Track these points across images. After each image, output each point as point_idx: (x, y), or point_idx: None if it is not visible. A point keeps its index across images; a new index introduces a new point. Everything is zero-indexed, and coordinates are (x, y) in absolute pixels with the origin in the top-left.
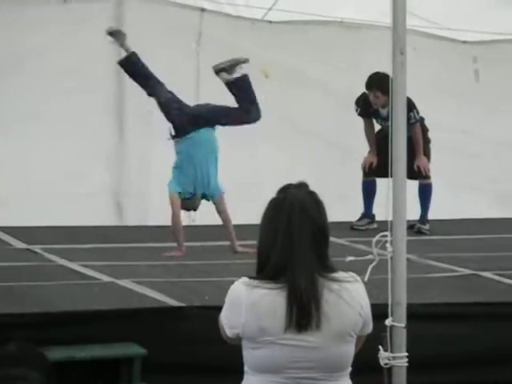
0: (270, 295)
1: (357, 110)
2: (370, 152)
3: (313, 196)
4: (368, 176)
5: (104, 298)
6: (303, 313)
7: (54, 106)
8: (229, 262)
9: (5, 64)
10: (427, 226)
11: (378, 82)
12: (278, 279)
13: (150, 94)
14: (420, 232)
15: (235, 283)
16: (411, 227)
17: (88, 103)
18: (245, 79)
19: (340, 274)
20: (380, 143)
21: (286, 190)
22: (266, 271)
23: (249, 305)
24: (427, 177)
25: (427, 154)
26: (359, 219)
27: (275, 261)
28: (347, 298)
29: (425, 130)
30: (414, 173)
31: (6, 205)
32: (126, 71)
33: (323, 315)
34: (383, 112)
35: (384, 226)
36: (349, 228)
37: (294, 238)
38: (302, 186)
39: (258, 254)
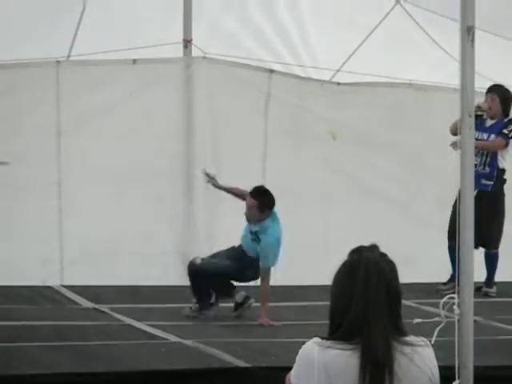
0: (344, 356)
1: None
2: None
3: (386, 258)
4: (452, 239)
5: (171, 358)
6: (377, 376)
7: (122, 166)
8: (297, 323)
9: (71, 124)
10: (494, 289)
11: (501, 90)
12: (352, 340)
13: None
14: (487, 295)
15: (307, 343)
16: (478, 289)
17: (156, 164)
18: None
19: (412, 338)
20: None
21: (359, 253)
22: (339, 332)
23: (321, 365)
24: (493, 246)
25: (497, 220)
26: (446, 282)
27: (350, 322)
28: (418, 363)
29: (502, 192)
30: (482, 240)
31: (73, 264)
32: None
33: (395, 379)
34: (489, 123)
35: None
36: (416, 290)
37: (371, 301)
38: (375, 248)
39: (331, 315)
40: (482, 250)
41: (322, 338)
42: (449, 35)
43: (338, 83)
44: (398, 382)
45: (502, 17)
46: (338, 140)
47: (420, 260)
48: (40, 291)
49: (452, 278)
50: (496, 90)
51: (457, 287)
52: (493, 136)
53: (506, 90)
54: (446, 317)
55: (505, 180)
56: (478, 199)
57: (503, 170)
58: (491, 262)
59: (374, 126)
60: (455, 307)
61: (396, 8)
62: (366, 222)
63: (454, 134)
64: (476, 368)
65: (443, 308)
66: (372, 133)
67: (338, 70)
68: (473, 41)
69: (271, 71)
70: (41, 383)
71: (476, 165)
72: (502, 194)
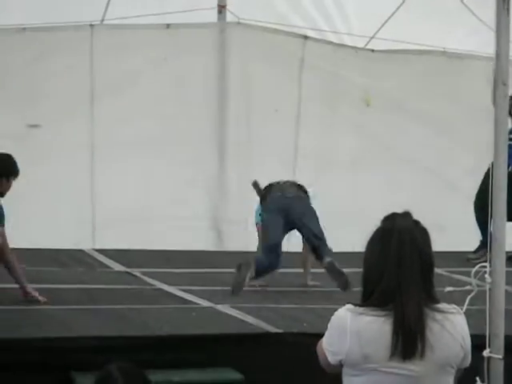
0: (376, 322)
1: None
2: None
3: (419, 226)
4: (479, 211)
5: (202, 322)
6: (409, 342)
7: (154, 132)
8: (328, 289)
9: (105, 88)
10: None
11: None
12: (384, 307)
13: None
14: None
15: (340, 310)
16: (509, 259)
17: (189, 129)
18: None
19: (443, 306)
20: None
21: (393, 220)
22: (372, 299)
23: (354, 331)
24: None
25: None
26: (476, 250)
27: (384, 289)
28: (450, 330)
29: None
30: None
31: (106, 228)
32: None
33: (427, 345)
34: None
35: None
36: (448, 258)
37: (404, 268)
38: (408, 215)
39: (364, 282)
40: None
41: (355, 305)
42: (483, 3)
43: (373, 50)
44: (430, 348)
45: None
46: (372, 107)
47: (452, 228)
48: (72, 254)
49: (482, 246)
50: None
51: (488, 256)
52: None
53: None
54: (478, 285)
55: None
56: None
57: None
58: None
59: (407, 94)
60: (487, 276)
61: None
62: (397, 189)
63: None
64: (507, 337)
65: (475, 277)
66: (405, 100)
67: (372, 37)
68: (508, 9)
69: (305, 37)
70: (71, 346)
71: None
72: None
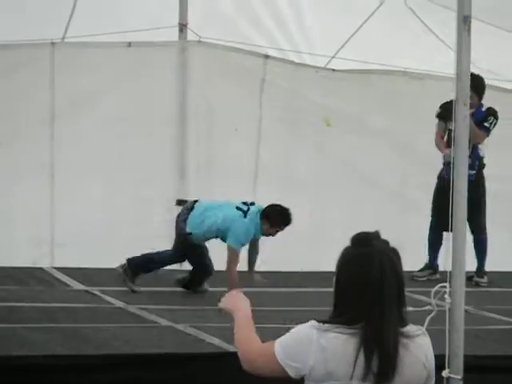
0: (340, 339)
1: (437, 112)
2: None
3: (395, 250)
4: (435, 228)
5: (162, 341)
6: (385, 366)
7: (114, 150)
8: (286, 309)
9: (66, 106)
10: (485, 279)
11: (472, 81)
12: (353, 326)
13: None
14: (478, 285)
15: (303, 326)
16: (469, 279)
17: (149, 148)
18: None
19: (410, 328)
20: (447, 195)
21: (370, 242)
22: (343, 318)
23: (320, 348)
24: (482, 231)
25: (482, 206)
26: (421, 269)
27: (361, 311)
28: (414, 351)
29: (482, 178)
30: (470, 227)
31: (65, 246)
32: None
33: (396, 368)
34: None
35: (444, 276)
36: (409, 278)
37: (385, 292)
38: (380, 236)
39: (336, 302)
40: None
41: (319, 322)
42: (444, 24)
43: (333, 70)
44: (396, 370)
45: (497, 6)
46: (332, 127)
47: (413, 248)
48: (31, 272)
49: (427, 266)
50: (438, 114)
51: (448, 276)
52: (472, 125)
53: (474, 77)
54: (437, 305)
55: (484, 165)
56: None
57: (483, 158)
58: (481, 248)
59: (368, 114)
60: (446, 296)
61: None
62: (358, 208)
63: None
64: (466, 357)
65: (434, 297)
66: (366, 120)
67: (332, 57)
68: (469, 30)
69: (266, 56)
70: (29, 364)
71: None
72: (483, 179)
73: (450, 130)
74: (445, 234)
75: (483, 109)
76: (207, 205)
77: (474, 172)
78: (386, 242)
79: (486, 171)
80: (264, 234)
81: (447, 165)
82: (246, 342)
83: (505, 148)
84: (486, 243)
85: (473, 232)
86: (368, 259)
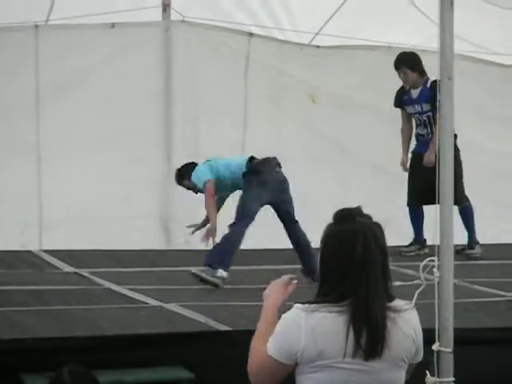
0: (329, 318)
1: (394, 103)
2: (403, 152)
3: (378, 225)
4: (413, 203)
5: (151, 321)
6: (374, 340)
7: (100, 131)
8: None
9: (51, 88)
10: (476, 250)
11: (405, 60)
12: (340, 303)
13: None
14: (470, 258)
15: (290, 311)
16: (458, 252)
17: (135, 128)
18: None
19: (397, 303)
20: (421, 168)
21: (353, 219)
22: (330, 296)
23: (308, 328)
24: (464, 199)
25: (460, 174)
26: (408, 245)
27: (347, 287)
28: (402, 326)
29: (456, 150)
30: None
31: (53, 228)
32: None
33: (385, 342)
34: (415, 94)
35: (433, 250)
36: (397, 253)
37: (370, 268)
38: (362, 212)
39: (322, 281)
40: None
41: (303, 303)
42: None
43: (318, 46)
44: (386, 345)
45: None
46: (318, 103)
47: (401, 222)
48: (20, 256)
49: (414, 241)
50: (401, 64)
51: (437, 249)
52: (424, 106)
53: (408, 57)
54: (426, 279)
55: (456, 136)
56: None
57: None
58: (467, 216)
59: (352, 89)
60: (435, 270)
61: None
62: (346, 184)
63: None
64: (456, 330)
65: (423, 271)
66: (351, 96)
67: (317, 33)
68: (452, 3)
69: (250, 34)
70: (20, 348)
71: (423, 134)
72: (457, 150)
73: (410, 114)
74: (428, 206)
75: (428, 84)
76: None
77: None
78: (369, 217)
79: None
80: None
81: (418, 140)
82: (253, 353)
83: (486, 120)
84: (471, 210)
85: (456, 202)
86: (352, 235)
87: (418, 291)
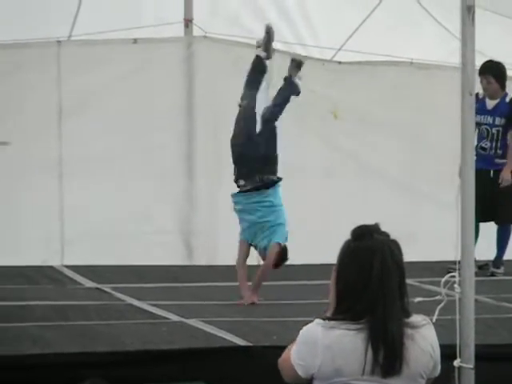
0: (347, 336)
1: None
2: None
3: (395, 242)
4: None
5: (173, 337)
6: (391, 358)
7: (122, 146)
8: (296, 302)
9: (73, 104)
10: (501, 269)
11: (492, 68)
12: (358, 321)
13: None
14: (493, 275)
15: (309, 325)
16: (481, 267)
17: (157, 143)
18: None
19: (415, 318)
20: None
21: (370, 236)
22: (348, 314)
23: (325, 345)
24: (509, 220)
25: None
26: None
27: (364, 305)
28: (420, 342)
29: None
30: (497, 215)
31: (76, 244)
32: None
33: (404, 360)
34: (490, 105)
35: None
36: (416, 268)
37: (387, 286)
38: (380, 229)
39: (339, 297)
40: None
41: (325, 319)
42: (450, 12)
43: (340, 62)
44: (405, 363)
45: None
46: (340, 118)
47: (422, 237)
48: (42, 271)
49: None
50: (487, 70)
51: (458, 265)
52: (498, 119)
53: (496, 66)
54: (447, 295)
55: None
56: (495, 179)
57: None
58: (504, 236)
59: (375, 105)
60: (456, 286)
61: None
62: (365, 201)
63: None
64: (477, 346)
65: (444, 286)
66: (373, 112)
67: (339, 49)
68: (473, 19)
69: (272, 50)
70: (42, 363)
71: (486, 148)
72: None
73: (478, 123)
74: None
75: (507, 99)
76: None
77: (504, 161)
78: (387, 235)
79: None
80: None
81: (477, 154)
82: (285, 356)
83: None
84: (510, 232)
85: (500, 221)
86: (369, 252)
87: (439, 307)
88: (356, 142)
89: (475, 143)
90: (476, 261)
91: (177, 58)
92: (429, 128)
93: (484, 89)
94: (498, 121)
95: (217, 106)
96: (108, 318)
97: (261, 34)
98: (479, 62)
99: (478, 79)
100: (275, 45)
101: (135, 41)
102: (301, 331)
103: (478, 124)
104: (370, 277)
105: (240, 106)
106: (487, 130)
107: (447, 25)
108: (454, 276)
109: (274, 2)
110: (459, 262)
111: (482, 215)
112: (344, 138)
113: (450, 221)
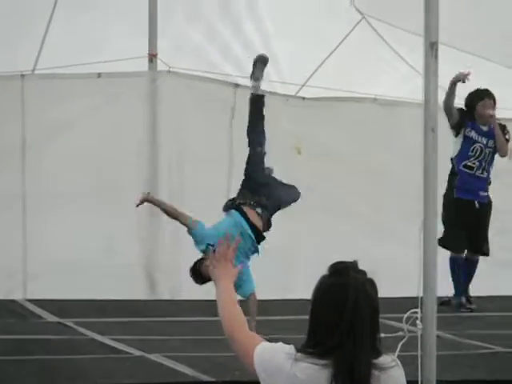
0: (314, 370)
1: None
2: None
3: (371, 281)
4: (458, 251)
5: (135, 372)
6: None
7: (86, 181)
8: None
9: (37, 137)
10: (474, 305)
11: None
12: (325, 357)
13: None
14: (466, 310)
15: (283, 348)
16: (443, 303)
17: (121, 179)
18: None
19: (384, 359)
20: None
21: (347, 274)
22: (317, 349)
23: (291, 376)
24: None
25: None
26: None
27: (334, 342)
28: (385, 382)
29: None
30: (480, 247)
31: (37, 278)
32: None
33: None
34: (484, 127)
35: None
36: (381, 304)
37: (358, 324)
38: (357, 267)
39: (310, 333)
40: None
41: (296, 349)
42: (413, 50)
43: (303, 98)
44: None
45: (463, 31)
46: (303, 154)
47: (383, 273)
48: (4, 305)
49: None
50: (493, 96)
51: (419, 300)
52: (490, 141)
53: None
54: (409, 331)
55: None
56: (478, 211)
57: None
58: (474, 270)
59: (338, 141)
60: (418, 322)
61: (361, 23)
62: (329, 236)
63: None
64: (439, 383)
65: (406, 323)
66: (337, 147)
67: (303, 85)
68: (436, 56)
69: (236, 85)
70: None
71: (473, 168)
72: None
73: (471, 139)
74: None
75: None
76: None
77: (487, 194)
78: (364, 273)
79: None
80: None
81: (461, 173)
82: (232, 319)
83: None
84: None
85: (479, 253)
86: (343, 290)
87: (401, 343)
88: (319, 178)
89: (463, 160)
90: (438, 297)
91: (141, 93)
92: (393, 164)
93: (487, 108)
94: (490, 143)
95: (181, 140)
96: (70, 352)
97: (227, 70)
98: (441, 98)
99: (440, 115)
100: (237, 80)
101: (99, 75)
102: (276, 347)
103: (474, 142)
104: (342, 314)
105: None
106: (481, 148)
107: (412, 62)
108: (415, 312)
109: (238, 36)
110: (421, 298)
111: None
112: (307, 174)
113: (412, 257)
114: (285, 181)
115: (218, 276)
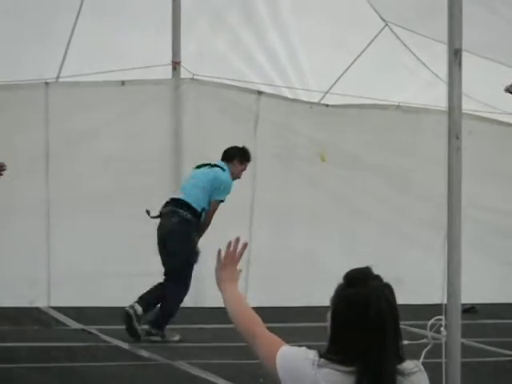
0: (337, 375)
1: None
2: None
3: (389, 287)
4: None
5: (159, 379)
6: None
7: (109, 187)
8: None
9: (60, 145)
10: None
11: None
12: (348, 365)
13: None
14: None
15: (307, 353)
16: (466, 310)
17: (144, 184)
18: None
19: (407, 365)
20: None
21: (365, 282)
22: (339, 357)
23: (313, 382)
24: None
25: None
26: None
27: (358, 352)
28: None
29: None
30: None
31: (61, 285)
32: None
33: None
34: None
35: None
36: (403, 311)
37: (382, 333)
38: (374, 274)
39: (333, 341)
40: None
41: (319, 354)
42: (437, 57)
43: (327, 105)
44: None
45: (490, 39)
46: (326, 161)
47: (409, 280)
48: (28, 312)
49: None
50: None
51: (444, 308)
52: None
53: None
54: (434, 338)
55: None
56: None
57: None
58: None
59: (362, 148)
60: (442, 329)
61: (385, 30)
62: (354, 242)
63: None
64: None
65: (431, 329)
66: (360, 154)
67: (326, 92)
68: (460, 63)
69: (260, 93)
70: None
71: None
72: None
73: None
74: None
75: None
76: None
77: None
78: (380, 279)
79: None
80: (233, 178)
81: None
82: (251, 322)
83: (495, 178)
84: None
85: None
86: (365, 300)
87: (426, 350)
88: (342, 184)
89: None
90: (462, 304)
91: (164, 100)
92: (416, 171)
93: None
94: None
95: (204, 147)
96: (93, 359)
97: (250, 77)
98: (466, 106)
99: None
100: (260, 87)
101: (123, 83)
102: (300, 351)
103: None
104: (365, 325)
105: None
106: None
107: (435, 69)
108: (440, 319)
109: (262, 44)
110: (445, 305)
111: None
112: (331, 181)
113: (436, 264)
114: (308, 188)
115: (223, 278)
